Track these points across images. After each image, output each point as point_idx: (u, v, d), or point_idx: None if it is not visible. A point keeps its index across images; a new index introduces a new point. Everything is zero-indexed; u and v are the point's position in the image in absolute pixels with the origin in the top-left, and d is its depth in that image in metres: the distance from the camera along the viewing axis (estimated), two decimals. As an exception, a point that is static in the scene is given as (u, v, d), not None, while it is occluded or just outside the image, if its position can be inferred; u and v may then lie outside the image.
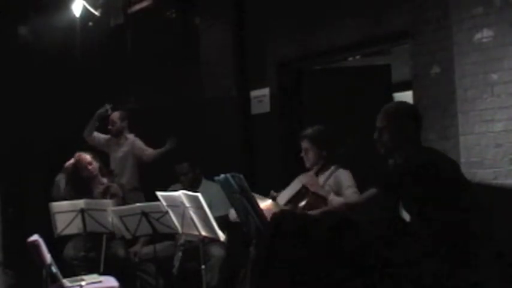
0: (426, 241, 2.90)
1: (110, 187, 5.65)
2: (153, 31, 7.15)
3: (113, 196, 5.54)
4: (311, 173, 4.24)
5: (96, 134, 6.41)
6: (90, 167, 5.68)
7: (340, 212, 3.33)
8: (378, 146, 3.25)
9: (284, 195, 4.09)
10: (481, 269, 2.95)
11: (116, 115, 6.32)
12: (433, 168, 3.00)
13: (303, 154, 4.32)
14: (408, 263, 2.81)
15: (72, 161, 5.74)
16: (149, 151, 6.21)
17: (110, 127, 6.33)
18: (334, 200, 3.88)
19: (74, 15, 6.85)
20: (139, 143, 6.30)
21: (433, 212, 2.92)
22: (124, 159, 6.28)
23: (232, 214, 4.39)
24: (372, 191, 3.18)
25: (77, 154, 5.75)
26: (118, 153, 6.32)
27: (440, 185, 2.96)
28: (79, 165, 5.69)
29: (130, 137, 6.35)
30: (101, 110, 6.30)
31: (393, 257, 2.78)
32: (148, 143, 6.35)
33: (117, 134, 6.34)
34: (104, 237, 5.27)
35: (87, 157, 5.72)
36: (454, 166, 3.19)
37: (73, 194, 5.53)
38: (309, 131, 4.32)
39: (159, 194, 4.78)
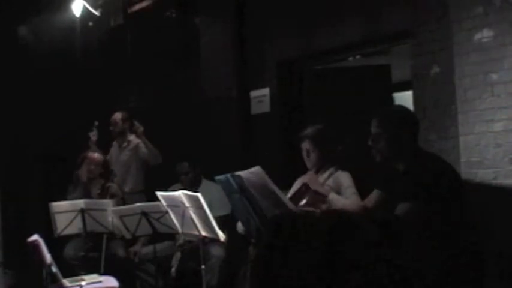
0: (426, 242, 2.90)
1: (109, 187, 5.65)
2: (153, 31, 7.15)
3: (112, 196, 5.54)
4: (311, 172, 4.19)
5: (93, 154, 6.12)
6: (89, 169, 5.68)
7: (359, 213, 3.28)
8: (373, 153, 3.18)
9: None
10: (481, 269, 2.94)
11: (117, 116, 6.22)
12: (434, 176, 2.97)
13: (304, 155, 4.22)
14: (408, 264, 2.81)
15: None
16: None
17: (111, 128, 6.24)
18: (334, 198, 3.87)
19: (74, 15, 6.85)
20: (142, 145, 6.19)
21: (433, 216, 2.90)
22: (128, 162, 6.20)
23: (240, 227, 4.30)
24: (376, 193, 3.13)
25: (91, 151, 5.78)
26: (121, 157, 6.23)
27: (441, 191, 2.93)
28: (84, 162, 5.71)
29: (133, 139, 6.24)
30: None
31: (393, 257, 2.77)
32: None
33: (120, 135, 6.27)
34: (104, 237, 5.27)
35: (97, 159, 5.73)
36: (454, 173, 3.16)
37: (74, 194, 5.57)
38: (309, 131, 4.20)
39: (159, 194, 4.78)
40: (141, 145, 6.13)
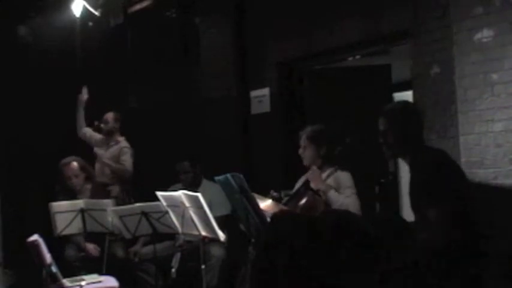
0: (428, 240, 2.89)
1: (110, 191, 5.65)
2: (153, 31, 7.15)
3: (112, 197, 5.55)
4: (315, 167, 4.19)
5: (88, 130, 6.41)
6: (73, 180, 5.66)
7: None
8: (384, 149, 3.22)
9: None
10: (482, 268, 2.94)
11: (110, 115, 6.30)
12: (437, 169, 2.98)
13: (300, 152, 4.30)
14: (409, 263, 2.81)
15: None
16: (125, 164, 6.11)
17: (102, 125, 6.29)
18: (333, 195, 3.88)
19: (74, 15, 6.84)
20: (126, 150, 6.19)
21: (439, 211, 2.90)
22: (114, 158, 6.16)
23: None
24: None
25: (67, 162, 5.74)
26: (106, 154, 6.22)
27: (450, 183, 2.94)
28: (64, 174, 5.68)
29: (121, 140, 6.28)
30: (80, 98, 6.35)
31: (394, 257, 2.78)
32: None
33: (108, 134, 6.31)
34: (107, 237, 5.27)
35: (75, 168, 5.70)
36: (458, 168, 3.18)
37: (61, 197, 5.56)
38: (308, 129, 4.31)
39: (159, 194, 4.77)
40: (126, 150, 6.16)
